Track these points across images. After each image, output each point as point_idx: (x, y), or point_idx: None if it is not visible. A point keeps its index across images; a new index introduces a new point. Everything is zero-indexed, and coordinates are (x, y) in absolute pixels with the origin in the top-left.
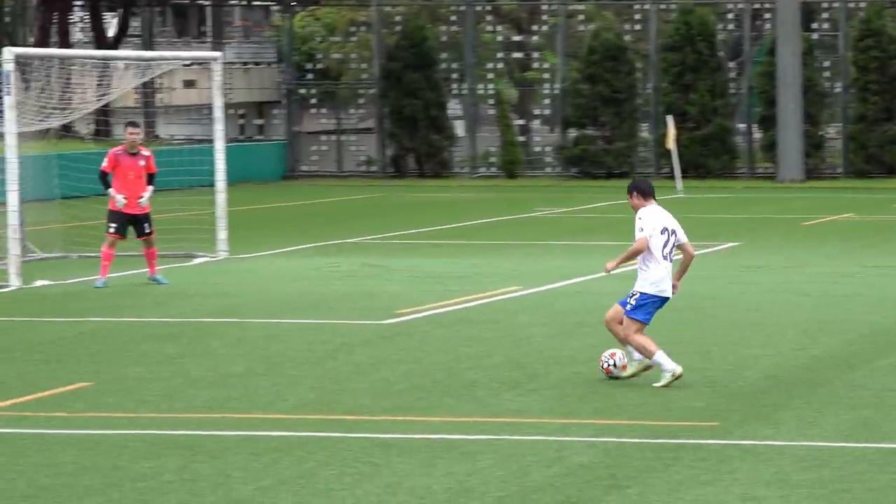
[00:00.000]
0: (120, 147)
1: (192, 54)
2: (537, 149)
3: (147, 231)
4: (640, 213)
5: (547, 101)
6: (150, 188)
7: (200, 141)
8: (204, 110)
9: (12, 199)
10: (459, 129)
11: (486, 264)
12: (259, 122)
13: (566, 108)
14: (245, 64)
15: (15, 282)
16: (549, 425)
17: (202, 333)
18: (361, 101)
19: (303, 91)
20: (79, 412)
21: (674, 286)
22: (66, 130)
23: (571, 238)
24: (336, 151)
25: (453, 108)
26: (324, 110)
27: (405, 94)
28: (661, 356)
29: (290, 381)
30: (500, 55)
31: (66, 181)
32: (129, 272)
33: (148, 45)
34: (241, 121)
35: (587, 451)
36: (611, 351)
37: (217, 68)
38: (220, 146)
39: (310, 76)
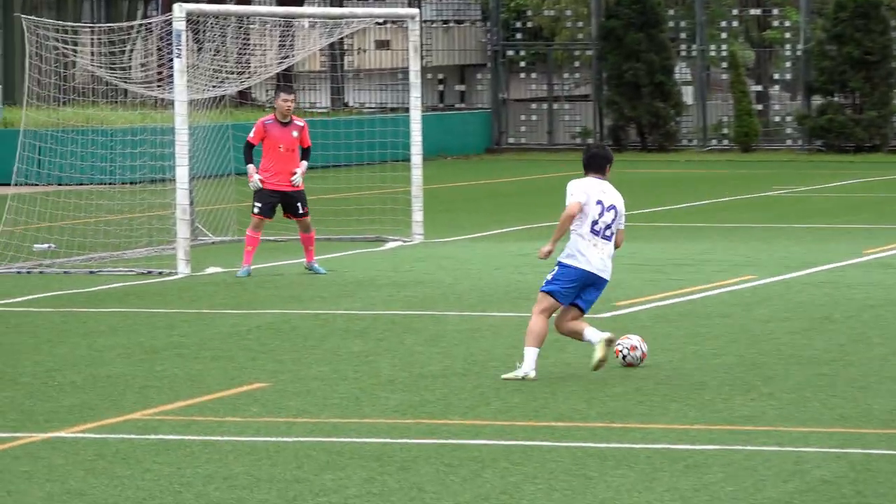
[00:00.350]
0: (270, 116)
1: (386, 11)
2: (776, 119)
3: (301, 212)
4: (569, 183)
5: (788, 64)
6: (304, 164)
7: (394, 109)
8: (398, 75)
9: (181, 174)
10: (688, 96)
11: (715, 250)
12: (461, 88)
13: (809, 73)
14: (446, 22)
15: (183, 269)
16: (786, 434)
17: (394, 328)
18: (576, 64)
19: (511, 53)
20: (254, 416)
21: None
22: (243, 97)
23: (815, 220)
24: (547, 121)
25: (681, 72)
26: (534, 75)
27: (626, 57)
28: (529, 352)
29: (493, 383)
30: (734, 12)
31: (240, 153)
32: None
33: (337, 1)
34: (441, 87)
35: (830, 464)
36: (630, 343)
37: (414, 27)
38: (416, 116)
39: (519, 36)
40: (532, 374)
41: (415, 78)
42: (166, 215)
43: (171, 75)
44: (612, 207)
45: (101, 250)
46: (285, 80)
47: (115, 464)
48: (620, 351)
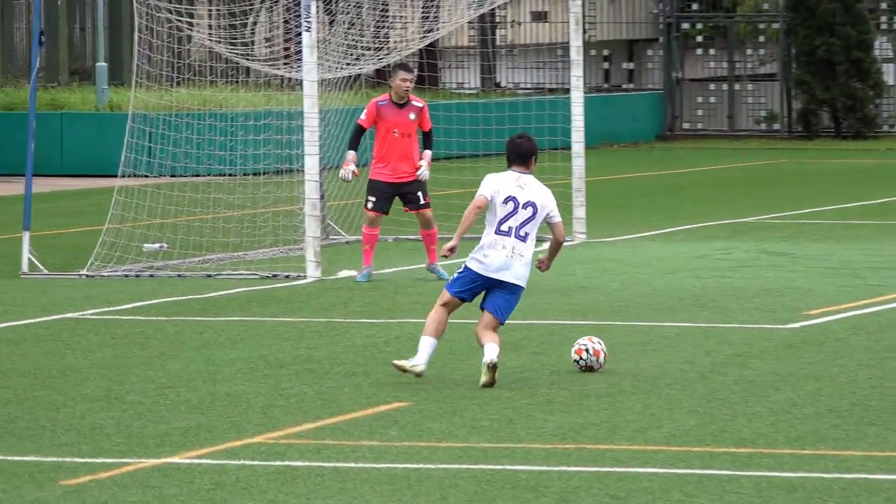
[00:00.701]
0: (384, 96)
1: None
2: None
3: (422, 202)
4: (485, 176)
5: None
6: (428, 154)
7: (552, 91)
8: (558, 51)
9: (311, 164)
10: (889, 75)
11: None
12: (628, 66)
13: None
14: None
15: (313, 272)
16: None
17: (553, 340)
18: (761, 38)
19: (686, 26)
20: (393, 440)
21: (540, 262)
22: (381, 77)
23: None
24: (728, 104)
25: (881, 48)
26: (712, 51)
27: (819, 31)
28: (424, 341)
29: (665, 403)
30: None
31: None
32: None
33: None
34: (606, 65)
35: None
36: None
37: None
38: (577, 98)
39: (695, 7)
40: (419, 369)
41: (576, 55)
42: (294, 211)
43: (300, 52)
44: (530, 205)
45: (220, 251)
46: (429, 57)
47: (234, 494)
48: (578, 362)
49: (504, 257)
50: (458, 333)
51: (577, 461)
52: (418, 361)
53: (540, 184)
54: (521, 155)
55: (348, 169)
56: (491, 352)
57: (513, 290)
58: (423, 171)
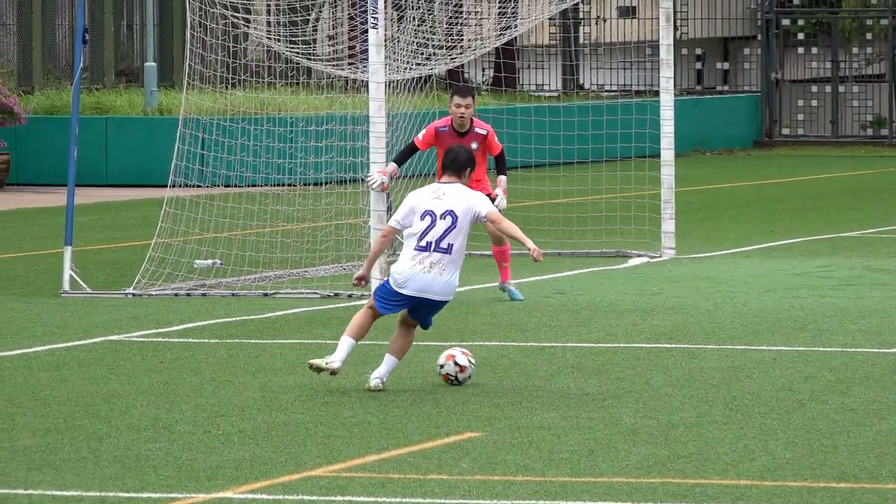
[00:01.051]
0: (446, 120)
1: None
2: None
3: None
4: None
5: None
6: (503, 180)
7: (640, 93)
8: (646, 50)
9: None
10: None
11: None
12: (723, 66)
13: None
14: None
15: None
16: None
17: (639, 364)
18: (868, 36)
19: (787, 23)
20: (464, 474)
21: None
22: (453, 78)
23: None
24: (831, 108)
25: None
26: (815, 50)
27: None
28: (343, 341)
29: (759, 433)
30: None
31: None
32: (532, 279)
33: None
34: (699, 65)
35: None
36: (448, 353)
37: None
38: (667, 101)
39: (796, 2)
40: (335, 366)
41: (666, 54)
42: (358, 224)
43: (366, 51)
44: (449, 214)
45: (278, 268)
46: (506, 56)
47: None
48: (449, 375)
49: (423, 275)
50: (536, 357)
51: (663, 496)
52: (334, 359)
53: (464, 190)
54: (454, 165)
55: (381, 177)
56: (382, 370)
57: (437, 305)
58: (500, 201)
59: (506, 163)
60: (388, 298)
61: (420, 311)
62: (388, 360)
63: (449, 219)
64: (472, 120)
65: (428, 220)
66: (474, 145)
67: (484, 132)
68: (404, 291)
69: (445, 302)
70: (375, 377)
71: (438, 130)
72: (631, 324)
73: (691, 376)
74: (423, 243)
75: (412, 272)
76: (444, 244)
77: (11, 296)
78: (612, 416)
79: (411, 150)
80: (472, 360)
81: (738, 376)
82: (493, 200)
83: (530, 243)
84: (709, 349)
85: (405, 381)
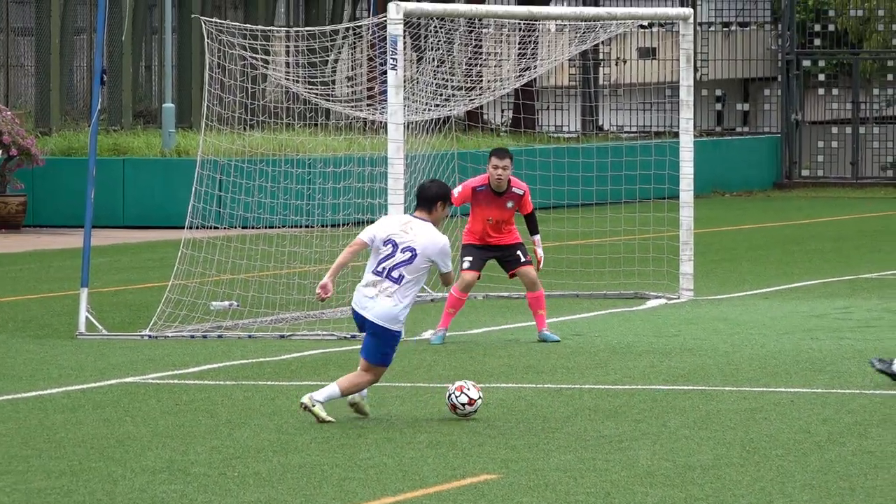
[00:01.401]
0: (482, 179)
1: (652, 11)
2: None
3: (522, 260)
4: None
5: None
6: (538, 238)
7: (659, 134)
8: (666, 91)
9: (396, 213)
10: None
11: None
12: (743, 107)
13: None
14: (726, 25)
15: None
16: None
17: (655, 406)
18: (889, 77)
19: (807, 64)
20: None
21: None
22: (473, 119)
23: None
24: (851, 150)
25: None
26: (836, 91)
27: None
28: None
29: (777, 476)
30: None
31: None
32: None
33: (590, 0)
34: (719, 106)
35: None
36: (458, 384)
37: (687, 31)
38: (686, 142)
39: (817, 42)
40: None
41: (686, 95)
42: None
43: (384, 92)
44: (409, 250)
45: (295, 309)
46: (525, 98)
47: None
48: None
49: (370, 296)
50: (553, 398)
51: None
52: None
53: (432, 231)
54: (423, 199)
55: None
56: (321, 391)
57: (375, 330)
58: (541, 258)
59: (537, 222)
60: (354, 317)
61: (366, 335)
62: (330, 387)
63: (408, 254)
64: (509, 180)
65: (389, 248)
66: (510, 204)
67: (521, 192)
68: (356, 307)
69: (386, 331)
70: (307, 395)
71: (476, 189)
72: (648, 366)
73: (708, 418)
74: (378, 268)
75: (364, 290)
76: (395, 274)
77: (27, 337)
78: (629, 458)
79: None
80: (481, 395)
81: (755, 418)
82: (537, 262)
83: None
84: (726, 391)
85: (421, 423)
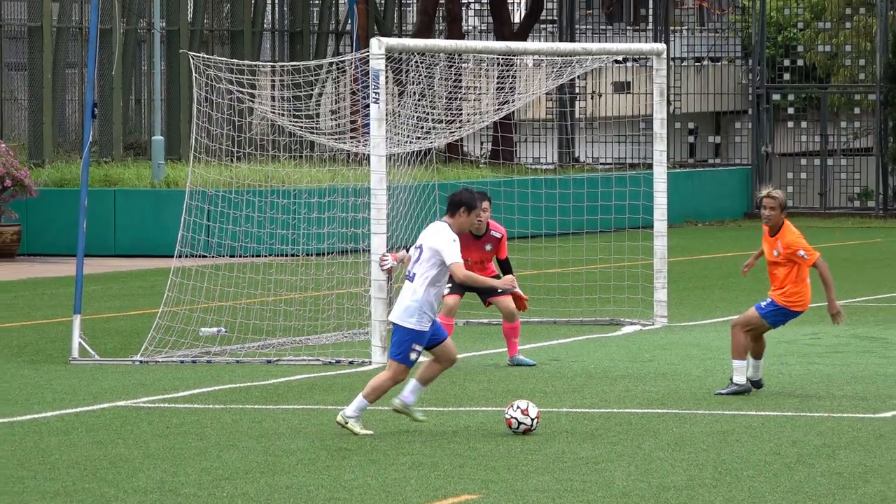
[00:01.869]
0: None
1: (626, 47)
2: None
3: (499, 291)
4: None
5: None
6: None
7: (633, 166)
8: (641, 124)
9: (378, 244)
10: None
11: None
12: (715, 139)
13: None
14: (698, 60)
15: (379, 358)
16: None
17: (630, 429)
18: (856, 110)
19: (777, 97)
20: None
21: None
22: (453, 151)
23: None
24: (819, 180)
25: None
26: (804, 124)
27: None
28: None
29: (748, 496)
30: None
31: None
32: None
33: (566, 35)
34: (691, 138)
35: None
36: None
37: (660, 66)
38: (660, 173)
39: (786, 77)
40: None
41: (660, 128)
42: (359, 293)
43: (367, 124)
44: (418, 247)
45: (281, 335)
46: (504, 130)
47: None
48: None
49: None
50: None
51: None
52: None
53: (438, 226)
54: (448, 204)
55: (393, 262)
56: (350, 406)
57: (393, 327)
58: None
59: (511, 267)
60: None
61: None
62: (356, 399)
63: (418, 251)
64: (488, 223)
65: (416, 253)
66: (488, 247)
67: (499, 235)
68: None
69: (396, 325)
70: (340, 413)
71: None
72: (624, 390)
73: (682, 440)
74: (409, 273)
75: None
76: (411, 273)
77: (22, 363)
78: (605, 479)
79: None
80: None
81: (727, 440)
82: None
83: (499, 283)
84: (699, 414)
85: (403, 445)
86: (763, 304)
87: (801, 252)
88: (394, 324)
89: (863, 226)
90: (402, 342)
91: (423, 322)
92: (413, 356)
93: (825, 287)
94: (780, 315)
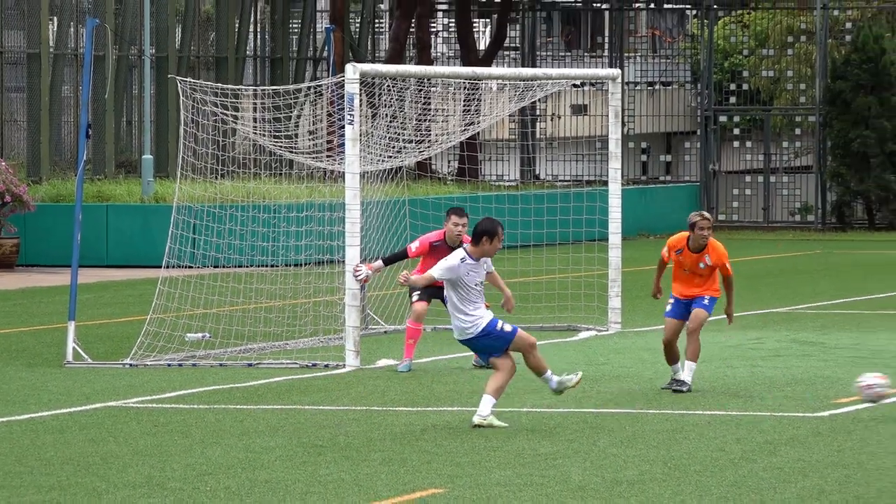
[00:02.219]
0: (438, 235)
1: (584, 72)
2: None
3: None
4: None
5: None
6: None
7: (590, 183)
8: (597, 144)
9: (352, 255)
10: None
11: None
12: (666, 158)
13: None
14: (651, 85)
15: (352, 361)
16: None
17: (586, 427)
18: (797, 131)
19: (724, 119)
20: None
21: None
22: (422, 169)
23: None
24: (763, 196)
25: None
26: (749, 144)
27: (854, 124)
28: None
29: (695, 489)
30: None
31: (420, 233)
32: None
33: (529, 61)
34: (644, 157)
35: None
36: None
37: (615, 90)
38: (615, 189)
39: (732, 100)
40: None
41: (615, 147)
42: (334, 301)
43: (342, 144)
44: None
45: (261, 340)
46: (470, 150)
47: None
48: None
49: None
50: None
51: None
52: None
53: (450, 255)
54: (472, 234)
55: (367, 272)
56: (482, 407)
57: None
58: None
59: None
60: None
61: None
62: (484, 399)
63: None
64: (462, 237)
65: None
66: None
67: None
68: None
69: (476, 336)
70: (475, 417)
71: (433, 244)
72: (580, 391)
73: (634, 438)
74: None
75: None
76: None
77: (20, 366)
78: (563, 474)
79: (402, 256)
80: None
81: (676, 438)
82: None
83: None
84: (650, 413)
85: (375, 442)
86: (706, 301)
87: (727, 264)
88: (473, 337)
89: (803, 238)
90: (491, 334)
91: (476, 325)
92: (507, 328)
93: (729, 294)
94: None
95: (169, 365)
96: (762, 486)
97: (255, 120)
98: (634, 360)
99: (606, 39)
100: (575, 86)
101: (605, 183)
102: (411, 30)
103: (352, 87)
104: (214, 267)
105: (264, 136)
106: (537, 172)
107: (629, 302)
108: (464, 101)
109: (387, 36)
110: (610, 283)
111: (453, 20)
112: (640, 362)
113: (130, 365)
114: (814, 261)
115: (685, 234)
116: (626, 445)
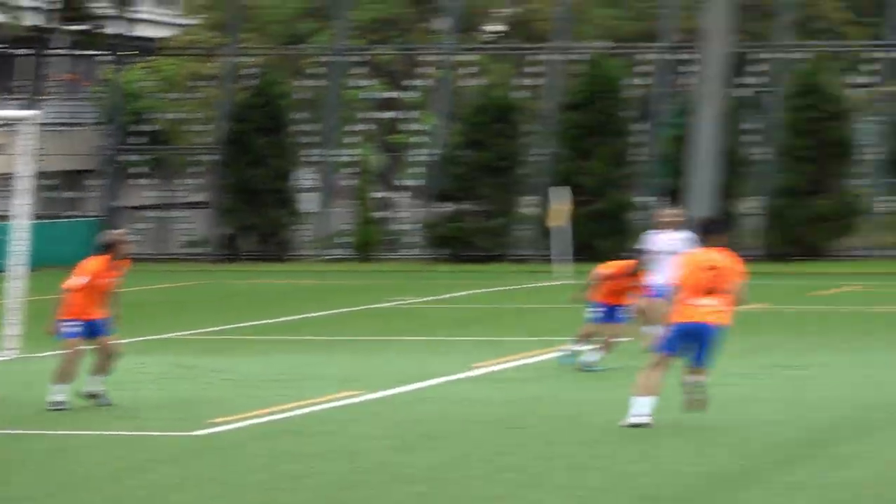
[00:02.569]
0: None
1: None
2: (402, 227)
3: None
4: None
5: (418, 170)
6: None
7: (3, 217)
8: (9, 180)
9: None
10: (314, 203)
11: (321, 364)
12: (72, 194)
13: (441, 179)
14: (64, 125)
15: None
16: None
17: None
18: (197, 169)
19: (127, 158)
20: None
21: None
22: None
23: (428, 333)
24: (162, 229)
25: (306, 178)
26: (155, 181)
27: (252, 163)
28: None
29: None
30: (369, 116)
31: None
32: None
33: None
34: (52, 193)
35: None
36: None
37: (28, 130)
38: (21, 224)
39: (134, 140)
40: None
41: (25, 184)
42: None
43: None
44: None
45: None
46: None
47: None
48: None
49: None
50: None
51: None
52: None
53: None
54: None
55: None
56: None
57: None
58: None
59: None
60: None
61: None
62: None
63: None
64: None
65: None
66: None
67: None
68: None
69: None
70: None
71: None
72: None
73: (26, 458)
74: None
75: None
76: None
77: None
78: None
79: None
80: None
81: (60, 457)
82: None
83: None
84: (32, 433)
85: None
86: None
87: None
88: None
89: (196, 269)
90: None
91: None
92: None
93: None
94: None
95: None
96: (137, 503)
97: None
98: (30, 382)
99: (29, 82)
100: None
101: (12, 217)
102: None
103: None
104: None
105: None
106: None
107: (34, 328)
108: None
109: None
110: (8, 311)
111: None
112: (32, 385)
113: None
114: (205, 290)
115: None
116: (18, 465)
